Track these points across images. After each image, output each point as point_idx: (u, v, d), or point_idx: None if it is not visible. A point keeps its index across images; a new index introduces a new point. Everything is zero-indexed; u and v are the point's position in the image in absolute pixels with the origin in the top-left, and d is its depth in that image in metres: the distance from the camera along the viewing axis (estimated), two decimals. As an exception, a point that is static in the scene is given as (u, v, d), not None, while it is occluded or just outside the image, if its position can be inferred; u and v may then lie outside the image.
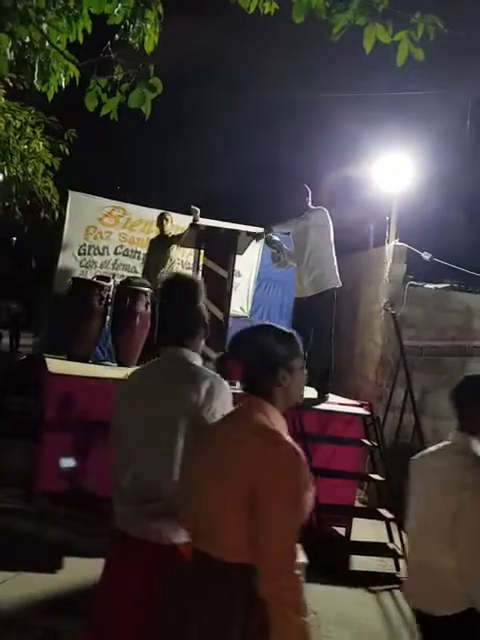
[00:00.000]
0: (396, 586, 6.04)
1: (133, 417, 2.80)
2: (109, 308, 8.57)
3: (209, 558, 2.21)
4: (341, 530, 7.08)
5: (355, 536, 6.96)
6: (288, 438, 2.24)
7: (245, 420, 2.29)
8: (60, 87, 5.08)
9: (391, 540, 6.62)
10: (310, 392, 7.47)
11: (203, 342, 2.95)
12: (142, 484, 2.73)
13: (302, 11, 3.95)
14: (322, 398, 7.38)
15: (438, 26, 3.89)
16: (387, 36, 3.93)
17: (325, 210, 7.44)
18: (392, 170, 10.11)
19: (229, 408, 2.66)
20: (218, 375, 2.68)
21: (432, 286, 9.44)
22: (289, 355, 2.36)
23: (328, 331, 7.35)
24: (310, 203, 7.52)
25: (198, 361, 2.89)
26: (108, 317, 8.62)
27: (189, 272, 2.58)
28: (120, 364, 8.38)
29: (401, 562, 6.34)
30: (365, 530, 6.95)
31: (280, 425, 2.32)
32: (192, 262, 7.67)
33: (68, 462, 5.09)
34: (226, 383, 2.77)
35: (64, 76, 4.79)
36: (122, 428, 2.83)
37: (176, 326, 2.89)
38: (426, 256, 9.48)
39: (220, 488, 2.21)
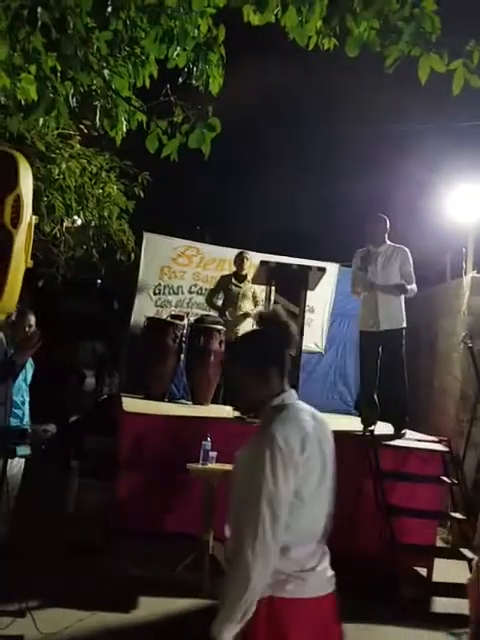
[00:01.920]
0: (479, 629, 5.83)
1: (321, 469, 2.60)
2: (183, 346, 8.64)
3: None
4: (422, 570, 6.89)
5: (436, 576, 6.76)
6: None
7: None
8: (129, 131, 5.21)
9: (474, 581, 6.39)
10: (386, 428, 7.36)
11: None
12: (325, 534, 2.64)
13: (356, 45, 3.97)
14: (399, 434, 7.24)
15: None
16: (442, 65, 3.90)
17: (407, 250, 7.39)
18: (467, 200, 9.96)
19: None
20: None
21: (512, 318, 9.18)
22: None
23: (402, 365, 7.23)
24: (387, 235, 7.46)
25: None
26: (182, 356, 8.69)
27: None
28: (195, 402, 8.43)
29: (484, 604, 6.11)
30: (447, 570, 6.74)
31: None
32: (263, 298, 7.69)
33: (23, 450, 5.12)
34: None
35: (128, 121, 4.89)
36: (313, 481, 2.56)
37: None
38: (505, 287, 9.25)
39: None
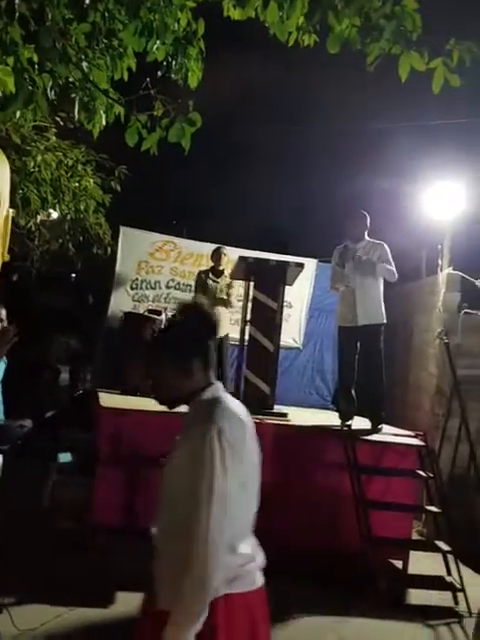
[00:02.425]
0: (454, 620, 5.92)
1: (255, 460, 2.56)
2: (161, 341, 8.60)
3: None
4: (398, 563, 6.95)
5: (412, 569, 6.83)
6: None
7: None
8: (107, 124, 5.17)
9: (448, 573, 6.47)
10: (364, 423, 7.40)
11: None
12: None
13: (337, 42, 3.98)
14: (376, 429, 7.29)
15: (474, 52, 3.87)
16: (422, 64, 3.92)
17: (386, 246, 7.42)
18: (444, 197, 10.01)
19: None
20: None
21: (487, 314, 9.25)
22: None
23: (380, 360, 7.27)
24: (367, 232, 7.48)
25: None
26: (160, 351, 8.64)
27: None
28: (172, 397, 8.41)
29: (459, 595, 6.18)
30: (422, 563, 6.80)
31: None
32: (242, 294, 7.69)
33: (65, 456, 5.08)
34: None
35: (106, 114, 4.86)
36: (253, 473, 2.53)
37: None
38: (480, 283, 9.32)
39: None
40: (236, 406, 2.52)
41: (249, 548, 2.48)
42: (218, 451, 2.31)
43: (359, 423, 7.39)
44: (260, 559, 2.54)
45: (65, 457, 5.24)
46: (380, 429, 7.31)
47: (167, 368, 2.53)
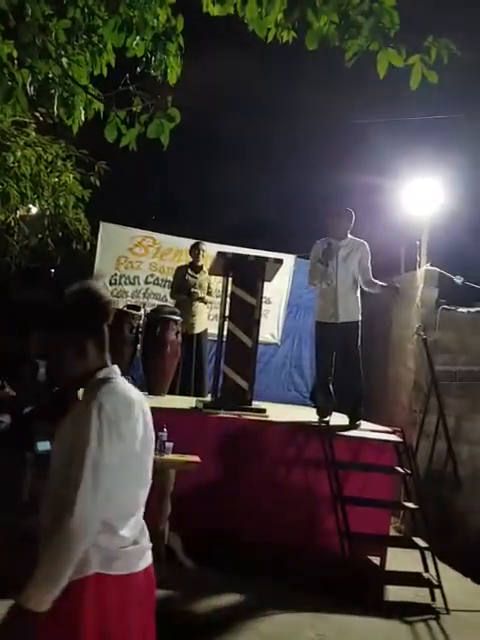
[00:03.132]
0: (431, 616, 5.94)
1: (143, 437, 2.55)
2: (140, 337, 8.61)
3: None
4: (375, 559, 6.97)
5: (389, 565, 6.84)
6: None
7: None
8: (86, 120, 5.16)
9: (426, 569, 6.50)
10: (342, 419, 7.43)
11: None
12: (143, 505, 2.62)
13: (315, 39, 3.99)
14: (354, 425, 7.32)
15: (451, 49, 3.90)
16: (400, 60, 3.94)
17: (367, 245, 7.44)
18: (423, 194, 10.08)
19: None
20: None
21: (465, 310, 9.33)
22: None
23: (359, 357, 7.30)
24: (350, 230, 7.49)
25: None
26: (139, 346, 8.66)
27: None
28: (151, 393, 8.40)
29: (436, 592, 6.22)
30: (400, 559, 6.83)
31: None
32: (221, 290, 7.70)
33: (44, 445, 5.03)
34: None
35: (85, 110, 4.85)
36: (139, 455, 2.54)
37: None
38: (458, 280, 9.39)
39: None
40: (128, 388, 2.54)
41: (131, 531, 2.47)
42: (95, 424, 2.34)
43: (337, 419, 7.42)
44: (145, 543, 2.54)
45: (44, 445, 5.16)
46: (358, 425, 7.34)
47: (63, 349, 2.56)
